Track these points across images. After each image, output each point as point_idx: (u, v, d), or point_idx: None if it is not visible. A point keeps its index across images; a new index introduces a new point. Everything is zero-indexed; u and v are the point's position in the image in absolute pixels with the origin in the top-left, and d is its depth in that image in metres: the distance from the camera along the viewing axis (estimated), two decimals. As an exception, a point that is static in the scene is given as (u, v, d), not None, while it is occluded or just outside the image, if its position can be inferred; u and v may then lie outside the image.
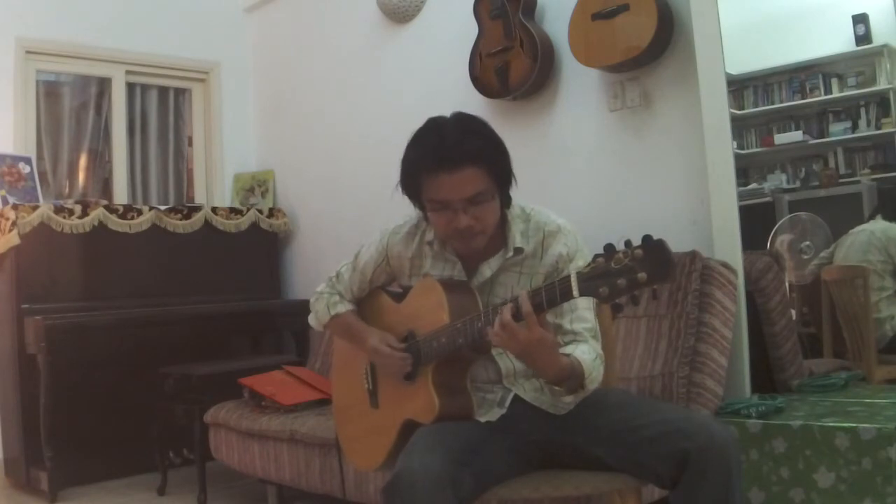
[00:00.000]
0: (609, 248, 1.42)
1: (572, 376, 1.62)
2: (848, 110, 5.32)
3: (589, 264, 1.44)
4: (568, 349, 1.67)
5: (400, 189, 1.75)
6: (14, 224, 3.47)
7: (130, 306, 3.71)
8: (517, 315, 1.52)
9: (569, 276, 1.46)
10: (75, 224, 3.64)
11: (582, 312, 1.74)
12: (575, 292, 1.45)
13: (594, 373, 1.66)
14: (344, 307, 1.99)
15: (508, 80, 3.18)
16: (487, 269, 1.78)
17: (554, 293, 1.49)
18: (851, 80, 5.29)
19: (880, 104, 5.19)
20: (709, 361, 2.38)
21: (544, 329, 1.53)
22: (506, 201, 1.77)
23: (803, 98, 5.42)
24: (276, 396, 2.98)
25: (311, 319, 2.07)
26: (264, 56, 4.69)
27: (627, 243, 1.40)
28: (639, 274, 1.36)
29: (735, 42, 3.66)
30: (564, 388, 1.64)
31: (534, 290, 1.54)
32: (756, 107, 5.58)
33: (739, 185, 3.37)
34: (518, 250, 1.76)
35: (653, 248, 1.36)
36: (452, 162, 1.62)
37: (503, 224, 1.78)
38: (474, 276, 1.80)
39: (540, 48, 3.09)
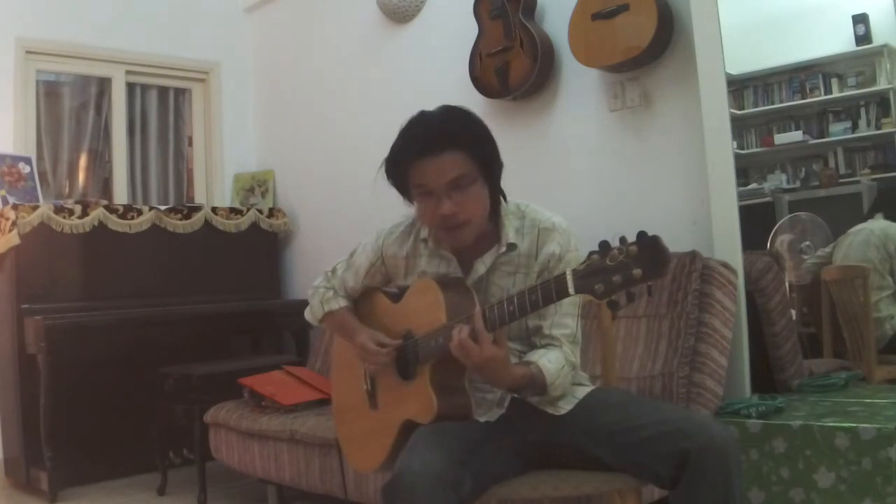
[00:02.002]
0: (604, 245, 1.42)
1: (531, 385, 1.65)
2: (848, 110, 5.31)
3: (584, 262, 1.44)
4: (535, 355, 1.69)
5: (385, 175, 1.77)
6: (14, 224, 3.47)
7: (130, 306, 3.70)
8: (473, 333, 1.56)
9: (564, 274, 1.46)
10: (75, 224, 3.64)
11: (563, 318, 1.75)
12: (571, 290, 1.45)
13: (559, 380, 1.67)
14: (337, 303, 2.00)
15: (508, 80, 3.18)
16: (481, 266, 1.79)
17: (549, 291, 1.50)
18: (851, 80, 5.28)
19: (880, 104, 5.19)
20: (709, 361, 2.38)
21: (499, 345, 1.58)
22: (497, 193, 1.77)
23: (803, 98, 5.41)
24: (276, 396, 2.98)
25: (307, 314, 2.08)
26: (264, 56, 4.69)
27: (622, 240, 1.40)
28: (634, 270, 1.37)
29: (735, 42, 3.65)
30: (526, 394, 1.68)
31: (529, 287, 1.55)
32: (756, 107, 5.57)
33: (739, 185, 3.36)
34: (511, 246, 1.77)
35: (648, 245, 1.37)
36: (433, 146, 1.66)
37: (496, 220, 1.78)
38: (469, 273, 1.80)
39: (540, 48, 3.09)
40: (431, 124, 1.70)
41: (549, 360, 1.67)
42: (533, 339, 1.76)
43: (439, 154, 1.66)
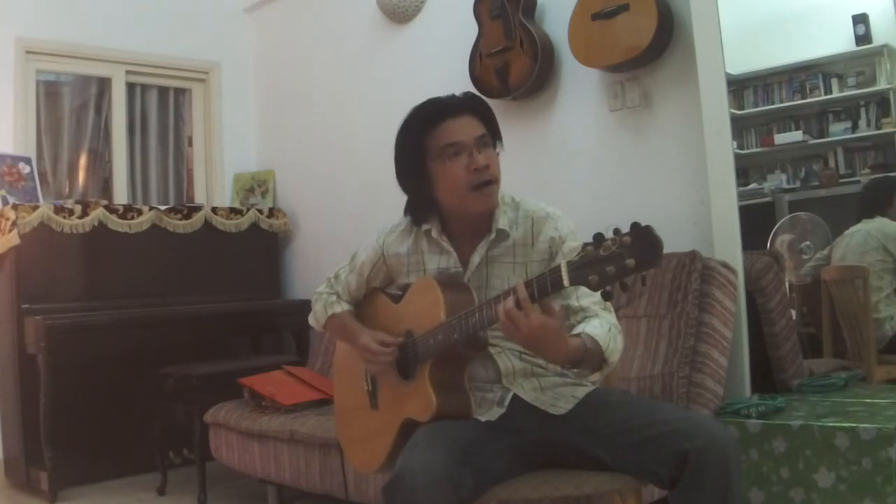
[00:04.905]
0: (598, 237, 1.42)
1: (587, 356, 1.60)
2: (848, 110, 5.32)
3: (578, 253, 1.44)
4: (578, 328, 1.67)
5: (397, 167, 1.81)
6: (14, 224, 3.47)
7: (130, 306, 3.70)
8: (518, 304, 1.51)
9: (559, 266, 1.46)
10: (75, 224, 3.64)
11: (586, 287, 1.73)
12: (565, 281, 1.45)
13: (612, 343, 1.64)
14: (340, 307, 2.01)
15: (508, 80, 3.18)
16: (476, 257, 1.80)
17: (545, 283, 1.49)
18: (851, 80, 5.29)
19: (880, 104, 5.20)
20: (709, 361, 2.38)
21: (549, 314, 1.52)
22: None
23: (803, 98, 5.42)
24: (276, 396, 2.98)
25: (311, 319, 2.09)
26: (264, 56, 4.69)
27: (616, 231, 1.40)
28: (627, 260, 1.36)
29: (735, 42, 3.66)
30: (585, 370, 1.64)
31: (525, 281, 1.54)
32: (756, 107, 5.58)
33: (739, 185, 3.37)
34: (501, 232, 1.78)
35: (641, 235, 1.37)
36: (453, 110, 1.77)
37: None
38: (467, 267, 1.81)
39: (540, 48, 3.09)
40: (443, 97, 1.81)
41: (593, 327, 1.65)
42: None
43: (461, 116, 1.77)
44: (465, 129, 1.75)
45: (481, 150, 1.75)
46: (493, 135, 1.80)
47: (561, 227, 1.78)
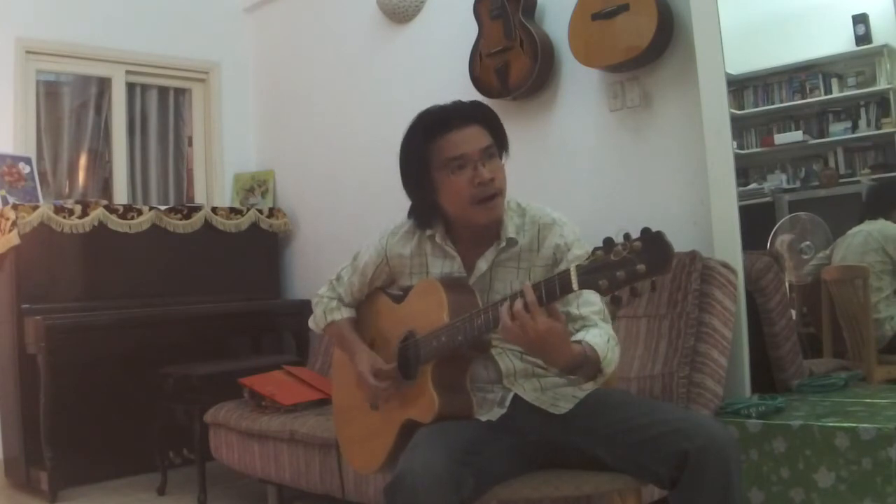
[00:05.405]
0: (608, 242, 1.42)
1: (585, 364, 1.61)
2: (848, 110, 5.32)
3: (588, 257, 1.44)
4: (578, 335, 1.67)
5: (402, 174, 1.79)
6: (14, 224, 3.47)
7: (130, 306, 3.70)
8: (526, 307, 1.51)
9: (568, 270, 1.46)
10: (75, 224, 3.64)
11: (588, 296, 1.73)
12: (574, 285, 1.45)
13: (609, 354, 1.65)
14: (340, 314, 2.00)
15: (508, 80, 3.18)
16: (483, 263, 1.79)
17: (553, 287, 1.49)
18: (851, 80, 5.29)
19: (880, 104, 5.19)
20: (709, 361, 2.38)
21: (554, 319, 1.52)
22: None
23: (803, 98, 5.42)
24: (276, 396, 2.99)
25: (311, 323, 2.09)
26: (264, 56, 4.69)
27: (626, 236, 1.40)
28: (638, 266, 1.36)
29: (735, 42, 3.66)
30: (581, 377, 1.64)
31: (533, 284, 1.54)
32: (756, 107, 5.57)
33: (739, 185, 3.37)
34: (511, 241, 1.78)
35: (651, 240, 1.36)
36: (459, 120, 1.75)
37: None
38: (471, 272, 1.80)
39: (540, 48, 3.09)
40: (450, 105, 1.78)
41: (593, 336, 1.65)
42: None
43: (466, 126, 1.74)
44: (471, 140, 1.73)
45: (486, 163, 1.73)
46: (499, 144, 1.78)
47: (567, 234, 1.77)
